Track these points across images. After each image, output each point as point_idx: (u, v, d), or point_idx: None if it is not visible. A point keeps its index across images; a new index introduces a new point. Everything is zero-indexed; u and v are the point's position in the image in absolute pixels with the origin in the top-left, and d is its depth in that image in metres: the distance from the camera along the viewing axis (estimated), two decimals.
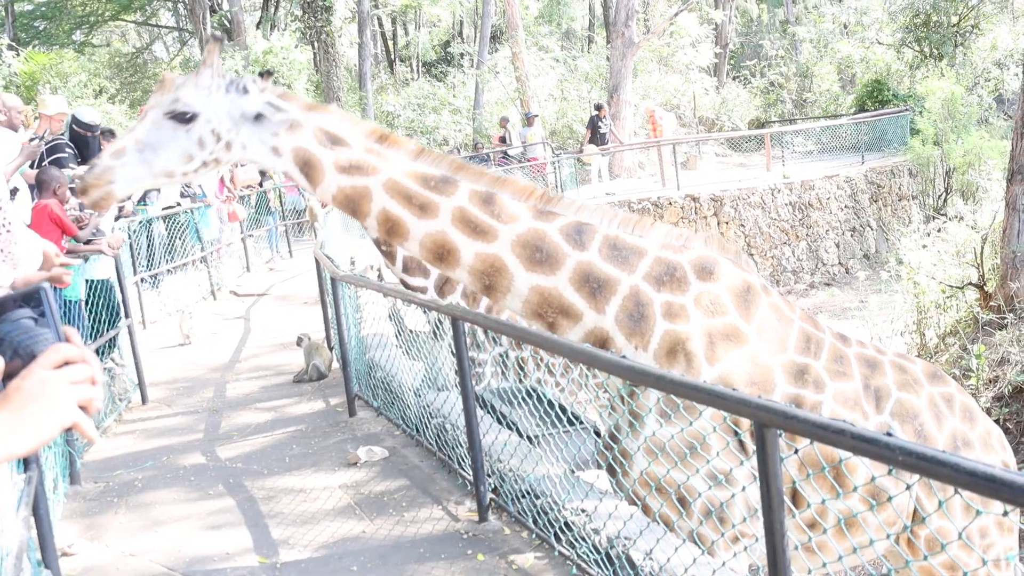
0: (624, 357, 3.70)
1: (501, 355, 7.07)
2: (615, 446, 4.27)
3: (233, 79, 4.24)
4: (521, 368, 6.99)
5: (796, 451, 3.63)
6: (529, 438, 5.93)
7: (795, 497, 4.12)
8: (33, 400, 1.49)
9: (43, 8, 42.77)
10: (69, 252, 8.15)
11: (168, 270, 14.89)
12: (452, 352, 5.84)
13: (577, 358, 4.08)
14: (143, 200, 14.26)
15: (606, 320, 4.07)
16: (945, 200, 25.38)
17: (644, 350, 4.02)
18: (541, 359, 6.91)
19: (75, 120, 11.52)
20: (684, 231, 4.29)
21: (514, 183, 4.26)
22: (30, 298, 1.62)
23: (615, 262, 4.08)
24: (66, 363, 1.54)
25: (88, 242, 8.67)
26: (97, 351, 9.01)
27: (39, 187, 8.81)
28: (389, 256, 7.11)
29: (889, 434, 2.58)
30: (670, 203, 21.70)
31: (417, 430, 7.39)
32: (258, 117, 4.16)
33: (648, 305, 4.04)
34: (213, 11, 38.72)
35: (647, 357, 4.00)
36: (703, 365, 3.98)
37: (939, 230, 16.63)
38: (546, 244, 4.09)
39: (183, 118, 4.09)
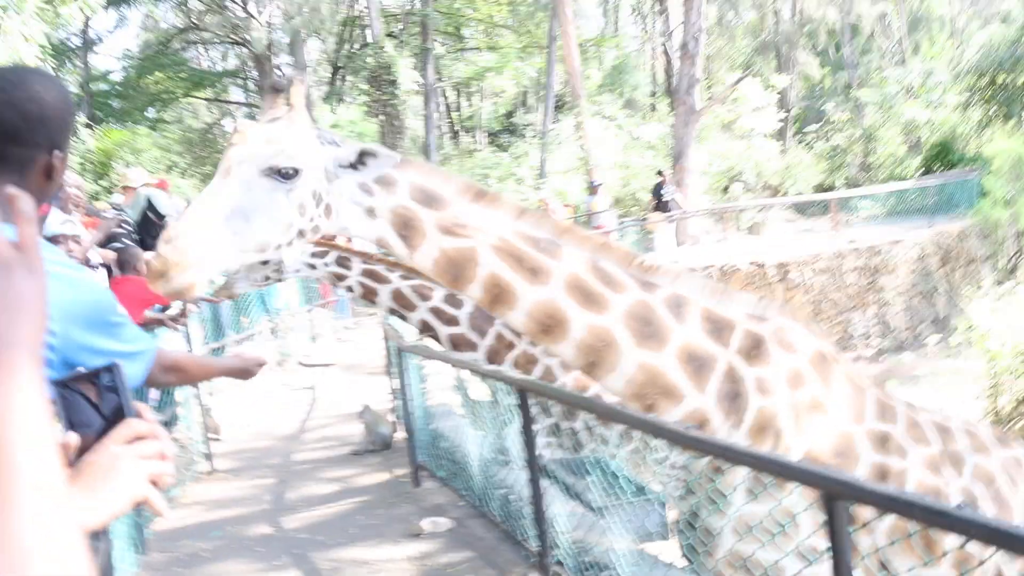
0: (689, 428, 3.66)
1: (554, 425, 7.00)
2: (696, 524, 4.13)
3: (318, 130, 3.68)
4: (576, 439, 6.92)
5: (864, 524, 3.56)
6: (595, 509, 5.88)
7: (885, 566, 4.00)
8: (105, 475, 1.52)
9: (118, 87, 44.08)
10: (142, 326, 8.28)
11: (236, 341, 15.06)
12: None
13: (661, 435, 3.99)
14: None
15: (706, 400, 3.80)
16: (1016, 262, 24.98)
17: (737, 428, 3.81)
18: (593, 430, 6.81)
19: (150, 204, 11.74)
20: (760, 298, 4.19)
21: (618, 249, 3.95)
22: (103, 374, 1.65)
23: (713, 336, 3.83)
24: (137, 438, 1.57)
25: (160, 321, 8.76)
26: (165, 423, 9.13)
27: (120, 265, 9.01)
28: (434, 338, 7.07)
29: (960, 506, 2.53)
30: (736, 270, 21.57)
31: (482, 501, 7.36)
32: (354, 167, 3.59)
33: (742, 382, 3.81)
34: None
35: (740, 435, 3.79)
36: (790, 439, 3.88)
37: (1011, 293, 16.33)
38: (655, 318, 3.77)
39: (284, 175, 3.41)
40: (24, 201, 1.16)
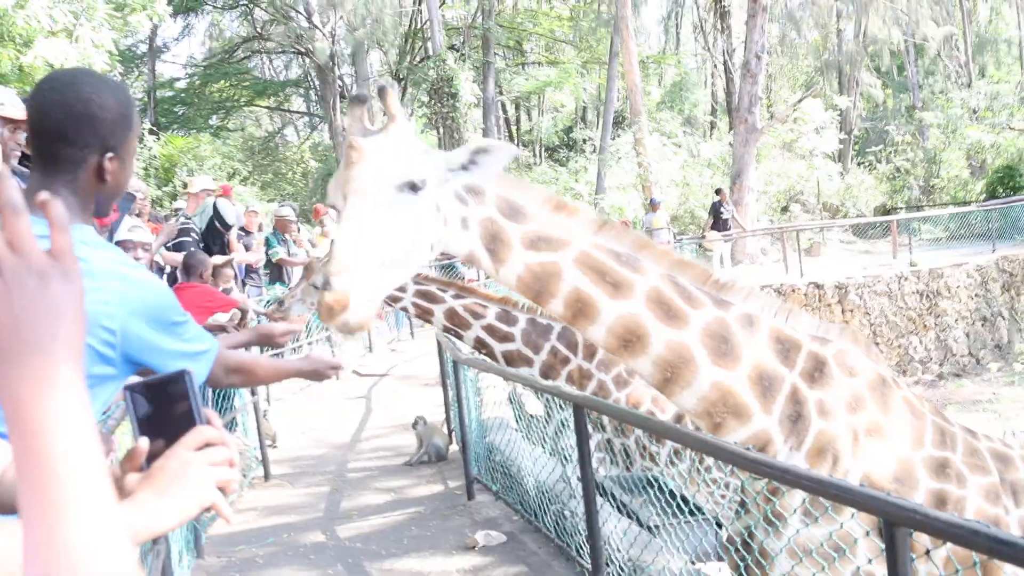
0: (749, 449, 3.65)
1: (605, 441, 6.99)
2: (753, 546, 4.09)
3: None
4: (627, 455, 6.90)
5: (926, 553, 3.52)
6: (649, 528, 5.86)
7: None
8: (175, 480, 1.55)
9: (183, 95, 44.72)
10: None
11: (292, 348, 15.19)
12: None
13: (721, 456, 3.98)
14: (281, 280, 14.59)
15: (771, 421, 3.76)
16: None
17: (797, 450, 3.77)
18: (645, 447, 6.79)
19: (217, 213, 11.92)
20: (821, 320, 4.15)
21: (694, 265, 3.88)
22: (174, 380, 1.68)
23: (781, 357, 3.79)
24: (206, 445, 1.60)
25: (222, 327, 8.87)
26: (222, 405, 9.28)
27: (186, 271, 9.14)
28: (489, 355, 7.09)
29: None
30: (793, 290, 21.39)
31: (536, 515, 7.37)
32: (465, 168, 3.45)
33: (804, 404, 3.77)
34: (342, 97, 39.96)
35: (799, 457, 3.75)
36: (849, 463, 3.84)
37: None
38: (731, 336, 3.72)
39: (415, 188, 3.29)
40: (57, 207, 1.17)
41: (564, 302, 3.64)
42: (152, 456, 1.60)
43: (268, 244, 14.39)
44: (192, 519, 1.60)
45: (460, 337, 7.11)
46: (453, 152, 3.41)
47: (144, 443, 1.61)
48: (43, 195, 1.19)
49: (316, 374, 3.44)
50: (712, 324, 3.70)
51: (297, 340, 14.77)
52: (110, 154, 2.41)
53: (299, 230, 14.95)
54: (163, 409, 1.66)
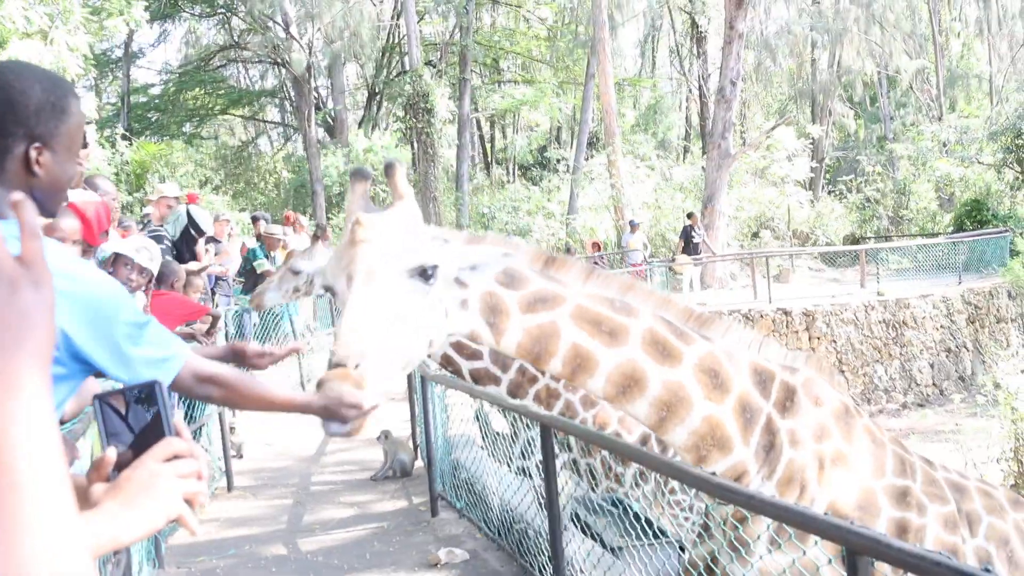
0: (713, 474, 3.67)
1: (571, 460, 6.97)
2: (716, 571, 4.10)
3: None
4: (593, 476, 6.90)
5: None
6: (612, 549, 5.87)
7: None
8: (142, 491, 1.54)
9: (157, 100, 44.54)
10: None
11: None
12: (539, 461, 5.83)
13: (686, 481, 3.99)
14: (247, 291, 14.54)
15: (749, 451, 3.78)
16: None
17: (769, 479, 3.81)
18: (610, 468, 6.78)
19: (192, 220, 11.86)
20: (788, 349, 4.19)
21: (675, 303, 3.90)
22: (145, 390, 1.68)
23: (759, 388, 3.83)
24: (175, 457, 1.59)
25: (192, 335, 8.82)
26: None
27: (158, 279, 9.06)
28: (455, 373, 7.06)
29: (987, 569, 2.53)
30: (762, 316, 21.51)
31: (499, 534, 7.36)
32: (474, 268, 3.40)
33: (777, 434, 3.81)
34: (318, 108, 39.94)
35: (770, 486, 3.79)
36: (816, 491, 3.88)
37: None
38: (720, 370, 3.73)
39: (425, 276, 3.20)
40: (28, 212, 1.16)
41: (563, 359, 3.62)
42: (120, 466, 1.59)
43: (253, 256, 14.33)
44: (159, 530, 1.59)
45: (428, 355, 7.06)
46: (470, 251, 3.38)
47: (112, 453, 1.60)
48: (16, 195, 1.18)
49: (329, 412, 2.87)
50: (704, 360, 3.72)
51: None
52: (37, 144, 2.31)
53: (286, 247, 14.88)
54: (132, 419, 1.66)
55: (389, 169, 3.43)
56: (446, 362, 6.87)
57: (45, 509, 1.08)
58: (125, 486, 1.55)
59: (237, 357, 3.40)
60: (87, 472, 1.64)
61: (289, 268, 8.46)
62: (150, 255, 7.13)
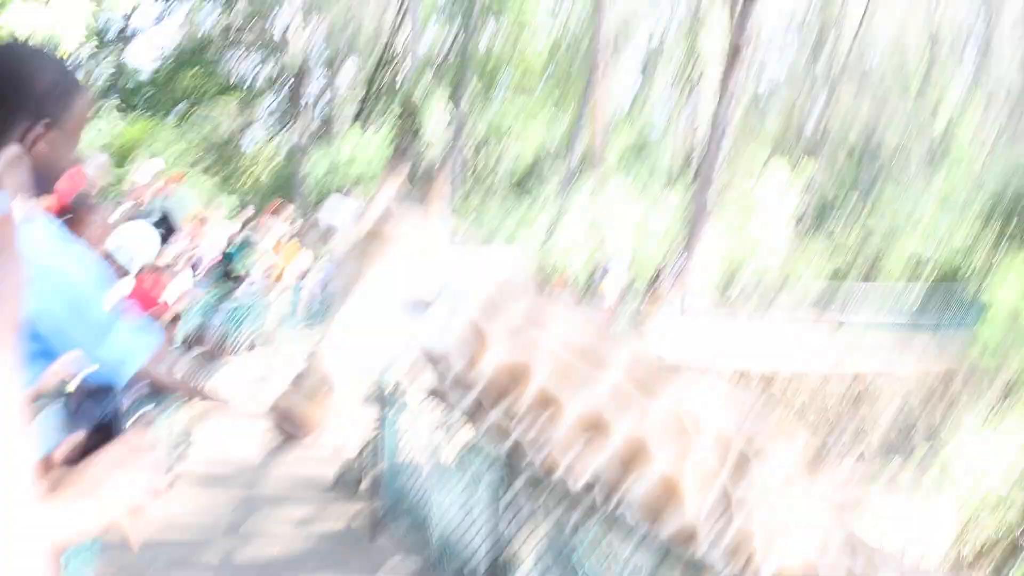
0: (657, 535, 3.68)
1: (515, 499, 6.93)
2: None
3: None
4: (535, 517, 6.87)
5: None
6: None
7: None
8: (94, 487, 1.55)
9: (152, 78, 44.32)
10: None
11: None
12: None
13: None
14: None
15: (701, 515, 3.75)
16: (999, 411, 24.96)
17: (717, 545, 3.76)
18: (549, 511, 6.75)
19: (163, 217, 11.83)
20: (749, 409, 4.15)
21: (648, 356, 3.92)
22: (104, 392, 1.68)
23: (720, 450, 3.78)
24: (130, 456, 1.59)
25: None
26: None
27: None
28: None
29: None
30: (721, 372, 21.56)
31: (439, 564, 7.33)
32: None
33: (730, 499, 3.76)
34: (312, 103, 39.88)
35: (717, 553, 3.75)
36: (762, 562, 3.87)
37: (990, 441, 16.36)
38: (683, 430, 3.72)
39: (420, 308, 3.31)
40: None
41: (531, 401, 3.64)
42: (72, 462, 1.59)
43: (229, 260, 14.27)
44: (105, 529, 1.59)
45: None
46: (480, 287, 3.42)
47: (65, 447, 1.60)
48: (10, 151, 1.16)
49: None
50: (667, 417, 3.69)
51: (223, 346, 14.58)
52: (45, 120, 2.35)
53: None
54: (91, 416, 1.66)
55: (430, 177, 3.46)
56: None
57: (4, 495, 1.05)
58: (77, 480, 1.54)
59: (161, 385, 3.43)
60: (39, 464, 1.63)
61: (316, 220, 8.60)
62: (129, 255, 7.09)
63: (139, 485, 1.57)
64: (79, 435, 1.62)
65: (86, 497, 1.50)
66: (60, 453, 1.59)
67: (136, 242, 7.26)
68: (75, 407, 1.66)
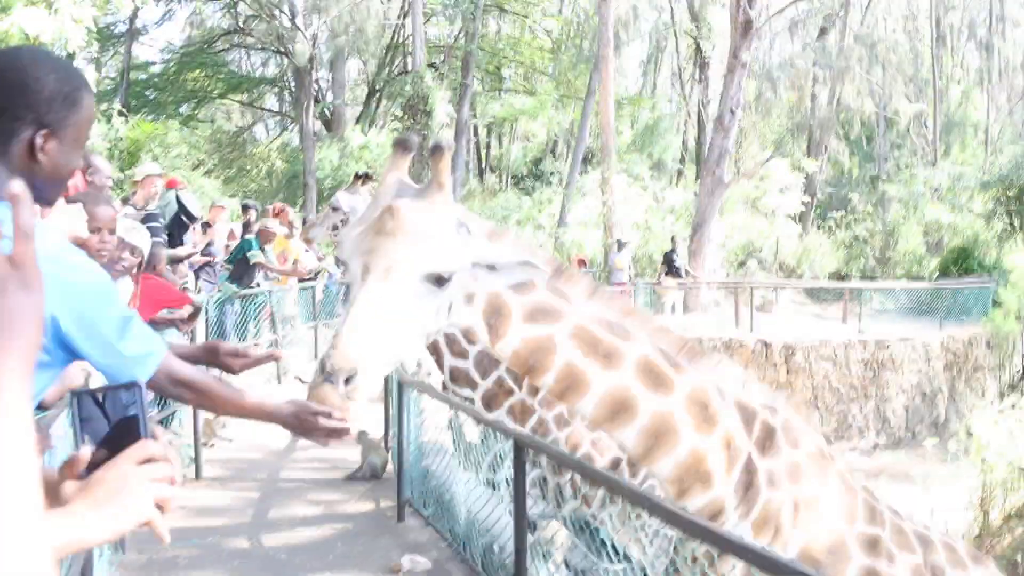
0: (684, 509, 3.67)
1: (540, 478, 6.92)
2: None
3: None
4: (560, 495, 6.86)
5: None
6: (576, 572, 5.86)
7: None
8: (114, 493, 1.52)
9: (156, 79, 44.35)
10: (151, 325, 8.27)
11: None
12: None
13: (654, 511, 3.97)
14: (240, 281, 14.54)
15: (729, 489, 3.74)
16: (1022, 377, 24.90)
17: (745, 519, 3.78)
18: (576, 487, 6.73)
19: (182, 206, 11.82)
20: (769, 388, 4.16)
21: (670, 332, 3.86)
22: (124, 390, 1.66)
23: (746, 426, 3.80)
24: (149, 460, 1.58)
25: (171, 322, 8.74)
26: (160, 421, 9.15)
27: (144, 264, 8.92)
28: (437, 363, 7.02)
29: None
30: (741, 345, 21.53)
31: (464, 545, 7.34)
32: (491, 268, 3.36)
33: (755, 473, 3.77)
34: (317, 101, 39.89)
35: (746, 526, 3.76)
36: (790, 534, 3.86)
37: (1013, 407, 16.26)
38: (709, 403, 3.70)
39: (440, 282, 3.19)
40: (24, 213, 1.15)
41: (557, 376, 3.57)
42: (93, 465, 1.58)
43: (248, 246, 14.33)
44: (125, 534, 1.57)
45: None
46: (500, 254, 3.36)
47: (85, 452, 1.59)
48: (15, 187, 1.17)
49: (297, 424, 2.83)
50: (694, 392, 3.68)
51: (244, 341, 14.61)
52: (45, 130, 2.30)
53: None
54: (108, 418, 1.64)
55: (435, 152, 3.37)
56: (435, 349, 6.81)
57: (10, 513, 1.07)
58: (96, 486, 1.53)
59: (210, 355, 3.36)
60: (59, 468, 1.63)
61: (330, 204, 8.57)
62: (140, 236, 7.07)
63: (162, 483, 1.56)
64: (99, 438, 1.61)
65: (105, 502, 1.50)
66: (82, 457, 1.58)
67: (137, 236, 7.26)
68: (92, 411, 1.64)
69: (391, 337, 3.07)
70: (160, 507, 1.57)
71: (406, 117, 34.24)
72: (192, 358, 3.22)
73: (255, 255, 14.17)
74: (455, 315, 3.36)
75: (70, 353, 2.35)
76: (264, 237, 14.60)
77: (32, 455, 1.13)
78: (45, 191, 2.39)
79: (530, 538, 5.85)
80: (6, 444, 1.10)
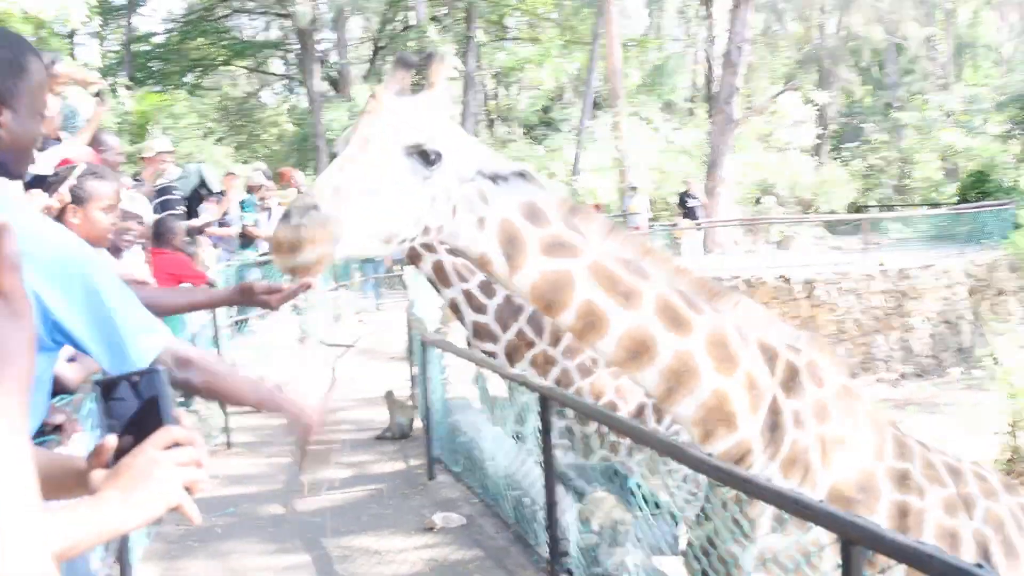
0: (710, 455, 3.68)
1: (566, 428, 6.94)
2: (711, 551, 4.09)
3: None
4: (588, 444, 6.89)
5: (882, 572, 3.56)
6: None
7: None
8: (142, 479, 1.54)
9: (159, 50, 44.19)
10: None
11: (259, 315, 15.04)
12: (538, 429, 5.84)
13: (672, 453, 3.99)
14: (252, 245, 14.58)
15: (755, 430, 3.70)
16: None
17: (773, 460, 3.75)
18: (605, 437, 6.77)
19: (203, 181, 11.81)
20: (793, 328, 4.13)
21: (689, 272, 3.80)
22: (145, 376, 1.67)
23: (769, 366, 3.75)
24: (175, 444, 1.59)
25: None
26: (183, 402, 9.21)
27: (157, 237, 8.90)
28: (459, 319, 7.04)
29: (980, 565, 2.54)
30: (763, 282, 21.47)
31: (496, 500, 7.39)
32: (493, 180, 3.32)
33: (781, 413, 3.73)
34: (322, 63, 39.68)
35: (774, 467, 3.74)
36: (819, 473, 3.85)
37: None
38: (729, 343, 3.65)
39: (427, 159, 3.11)
40: (8, 243, 1.16)
41: (575, 313, 3.52)
42: (120, 453, 1.59)
43: (242, 209, 14.38)
44: (157, 519, 1.59)
45: (438, 292, 6.96)
46: (495, 160, 3.32)
47: (111, 440, 1.60)
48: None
49: (291, 423, 2.92)
50: (715, 332, 3.65)
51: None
52: (4, 108, 2.20)
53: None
54: (132, 405, 1.65)
55: (429, 59, 3.36)
56: (453, 308, 6.82)
57: (7, 536, 1.10)
58: (125, 474, 1.55)
59: (246, 296, 3.37)
60: (87, 458, 1.64)
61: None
62: (140, 205, 7.11)
63: (186, 473, 1.57)
64: (124, 424, 1.62)
65: (135, 489, 1.51)
66: (109, 445, 1.59)
67: (137, 206, 7.28)
68: (119, 395, 1.65)
69: (370, 200, 3.02)
70: (189, 490, 1.59)
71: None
72: (228, 300, 3.22)
73: (245, 219, 14.23)
74: (464, 231, 3.32)
75: (61, 333, 2.25)
76: (252, 190, 14.62)
77: (30, 473, 1.16)
78: (10, 164, 2.30)
79: (560, 490, 5.88)
80: (3, 465, 1.12)
